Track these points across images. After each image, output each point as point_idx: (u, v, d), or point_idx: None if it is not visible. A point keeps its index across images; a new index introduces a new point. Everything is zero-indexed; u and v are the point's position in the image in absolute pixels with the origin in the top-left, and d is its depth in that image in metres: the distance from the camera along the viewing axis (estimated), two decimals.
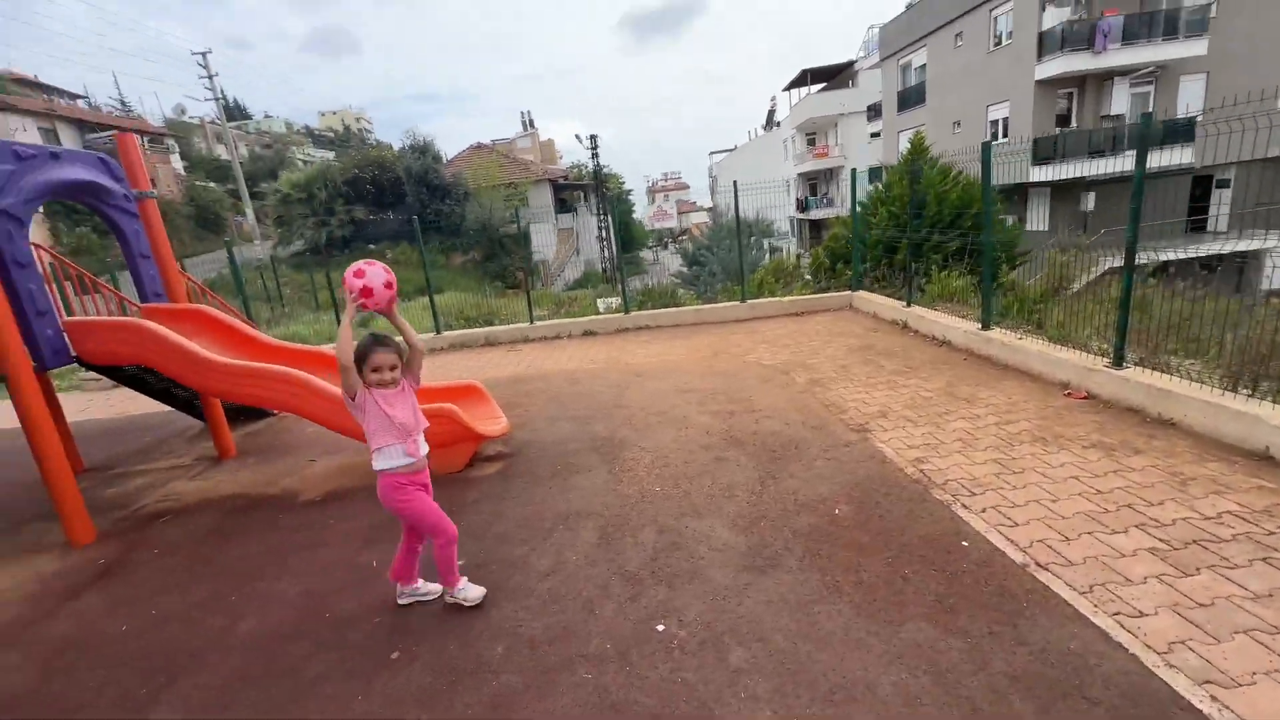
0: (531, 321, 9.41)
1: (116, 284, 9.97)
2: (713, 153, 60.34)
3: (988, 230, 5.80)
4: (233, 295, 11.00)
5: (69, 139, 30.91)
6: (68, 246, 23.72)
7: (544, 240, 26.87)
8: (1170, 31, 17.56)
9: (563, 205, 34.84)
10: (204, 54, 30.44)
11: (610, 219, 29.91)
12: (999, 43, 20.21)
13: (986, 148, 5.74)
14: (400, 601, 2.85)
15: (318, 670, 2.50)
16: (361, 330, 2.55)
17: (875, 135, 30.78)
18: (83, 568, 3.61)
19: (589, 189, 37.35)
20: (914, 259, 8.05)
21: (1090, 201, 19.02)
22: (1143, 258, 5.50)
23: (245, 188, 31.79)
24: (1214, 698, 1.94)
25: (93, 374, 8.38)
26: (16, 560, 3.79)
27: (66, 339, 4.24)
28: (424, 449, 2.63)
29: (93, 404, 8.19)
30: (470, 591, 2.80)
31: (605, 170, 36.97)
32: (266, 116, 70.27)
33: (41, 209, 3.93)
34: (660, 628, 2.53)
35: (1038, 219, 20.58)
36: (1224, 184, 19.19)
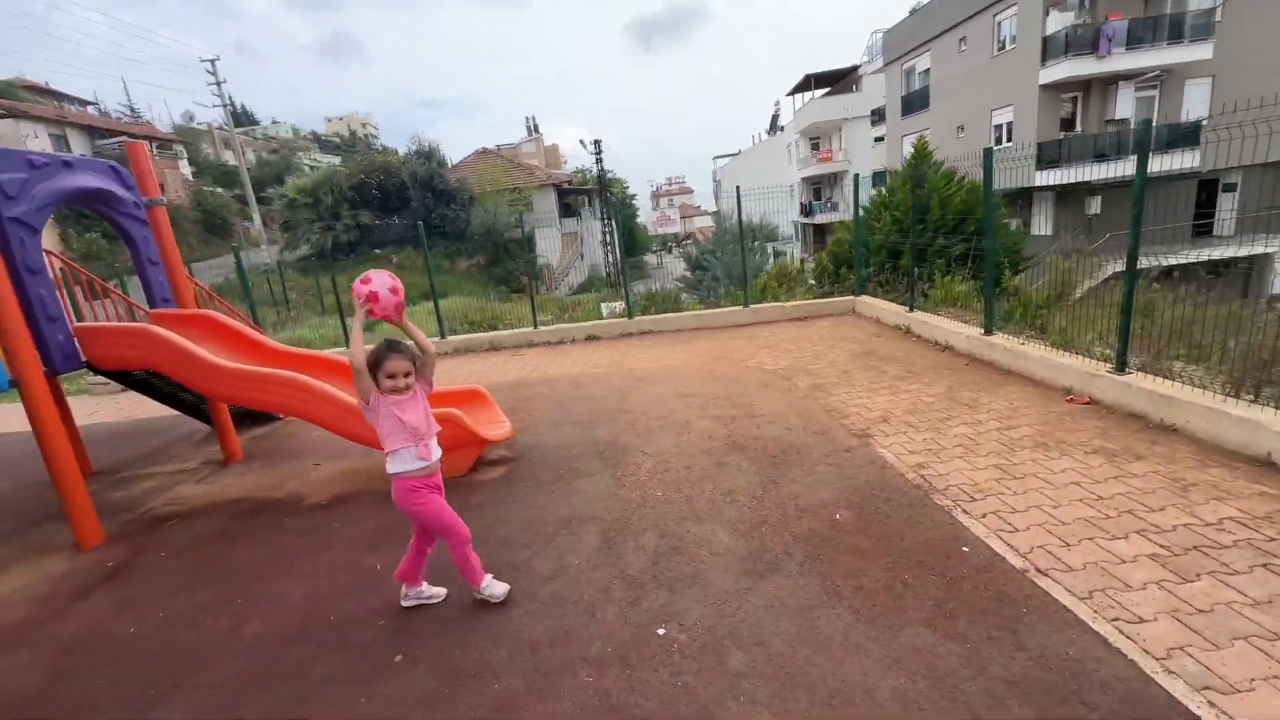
0: (535, 326, 9.46)
1: (125, 289, 10.07)
2: (717, 157, 60.50)
3: (989, 236, 5.81)
4: (239, 300, 11.09)
5: (79, 145, 31.26)
6: (77, 252, 23.97)
7: (548, 245, 26.99)
8: (1175, 35, 17.54)
9: (567, 210, 34.99)
10: (212, 61, 30.77)
11: (614, 223, 30.00)
12: (1003, 47, 20.23)
13: (988, 153, 5.76)
14: (404, 603, 2.88)
15: (322, 672, 2.53)
16: (369, 335, 2.59)
17: (879, 140, 30.81)
18: (91, 569, 3.66)
19: (593, 193, 37.50)
20: (917, 264, 8.06)
21: (1095, 205, 18.97)
22: (1148, 262, 5.52)
23: (252, 193, 32.04)
24: (1212, 703, 1.95)
25: (101, 378, 8.47)
26: (26, 561, 3.84)
27: (77, 344, 4.30)
28: (436, 453, 2.67)
29: (101, 407, 8.28)
30: (495, 588, 2.85)
31: (609, 175, 37.13)
32: (273, 122, 70.86)
33: (51, 215, 4.00)
34: (661, 631, 2.55)
35: (1042, 223, 20.54)
36: (1230, 188, 19.13)
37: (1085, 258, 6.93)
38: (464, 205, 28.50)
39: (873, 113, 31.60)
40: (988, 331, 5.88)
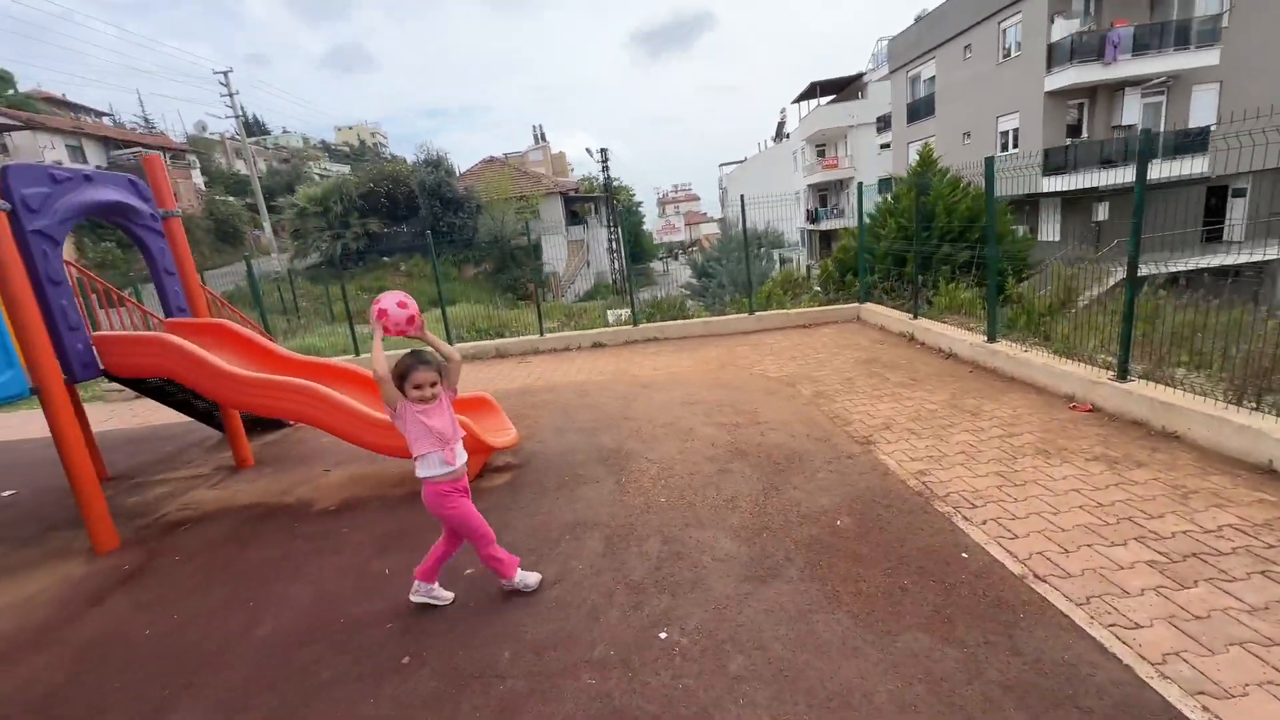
0: (541, 334, 9.54)
1: (139, 297, 10.26)
2: (723, 164, 60.71)
3: (991, 243, 5.85)
4: (250, 307, 11.25)
5: (95, 155, 31.83)
6: (92, 261, 24.37)
7: (555, 252, 27.18)
8: (1181, 42, 17.52)
9: (573, 217, 35.21)
10: (225, 73, 31.27)
11: (620, 231, 30.16)
12: (1008, 54, 20.26)
13: (990, 162, 5.81)
14: (413, 598, 2.95)
15: (331, 673, 2.59)
16: (400, 346, 2.68)
17: (885, 146, 30.86)
18: (108, 573, 3.75)
19: (599, 201, 37.72)
20: (922, 271, 8.09)
21: (1103, 212, 18.92)
22: (1153, 269, 5.53)
23: (263, 202, 32.47)
24: (1206, 708, 1.97)
25: (115, 385, 8.62)
26: (45, 566, 3.93)
27: (95, 353, 4.41)
28: (462, 457, 2.76)
29: (115, 414, 8.42)
30: (528, 579, 2.99)
31: (616, 183, 37.35)
32: (284, 131, 71.85)
33: (72, 227, 4.15)
34: (663, 635, 2.60)
35: (1049, 229, 20.49)
36: (1240, 193, 19.02)
37: (1090, 265, 6.96)
38: (471, 213, 28.76)
39: (878, 120, 31.67)
40: (991, 339, 5.90)
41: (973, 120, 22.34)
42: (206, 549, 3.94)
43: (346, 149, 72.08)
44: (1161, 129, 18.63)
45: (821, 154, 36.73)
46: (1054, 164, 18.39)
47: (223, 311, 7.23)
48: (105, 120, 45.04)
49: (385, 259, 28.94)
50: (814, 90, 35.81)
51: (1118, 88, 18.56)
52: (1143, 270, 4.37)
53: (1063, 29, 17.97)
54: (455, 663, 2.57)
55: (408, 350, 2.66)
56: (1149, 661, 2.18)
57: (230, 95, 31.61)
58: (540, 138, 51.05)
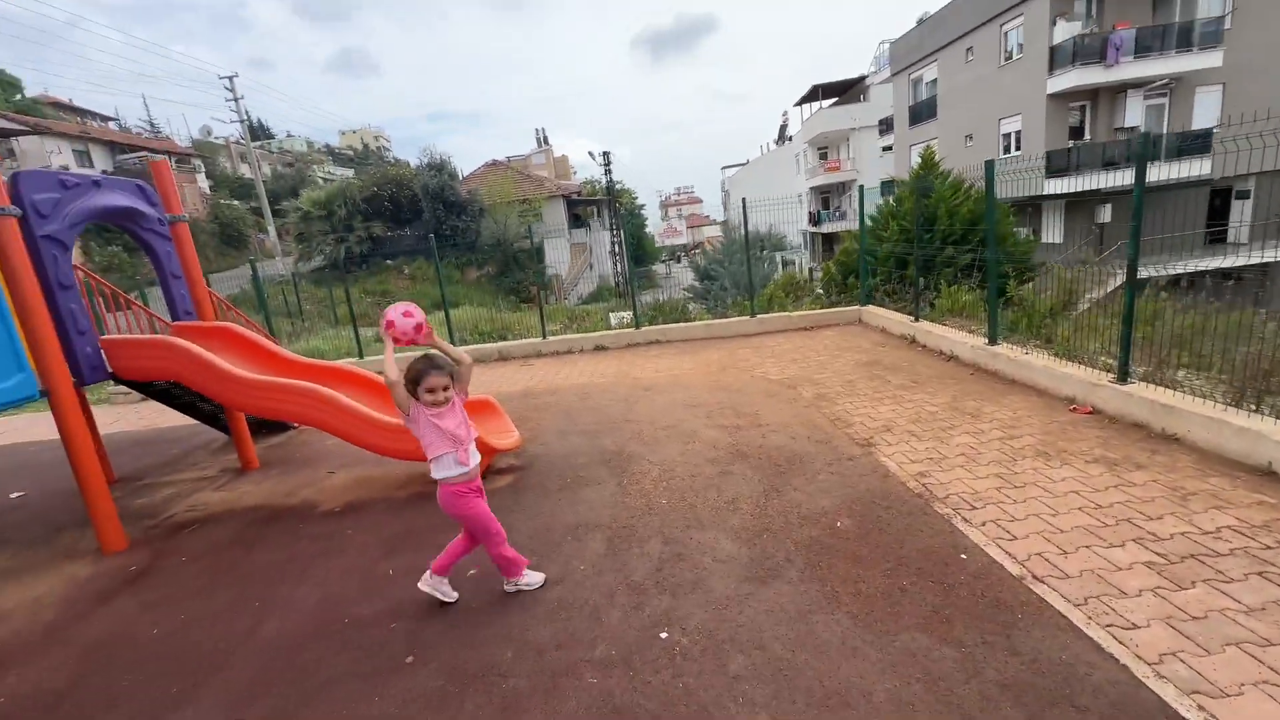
0: (544, 336, 9.58)
1: (146, 301, 10.34)
2: (725, 167, 60.80)
3: (991, 246, 5.87)
4: (255, 310, 11.32)
5: (101, 159, 32.07)
6: (99, 264, 24.52)
7: (557, 255, 27.23)
8: (1184, 44, 17.52)
9: (576, 220, 35.30)
10: (230, 78, 31.50)
11: (622, 234, 30.23)
12: (1010, 57, 20.29)
13: (990, 165, 5.83)
14: (420, 586, 2.98)
15: (336, 672, 2.63)
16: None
17: (887, 149, 30.88)
18: (115, 574, 3.79)
19: (602, 204, 37.82)
20: (924, 273, 8.11)
21: (1106, 214, 18.90)
22: (1155, 271, 5.55)
23: (268, 205, 32.67)
24: (1201, 707, 1.99)
25: (121, 388, 8.70)
26: (53, 566, 3.98)
27: (103, 356, 4.47)
28: (476, 457, 2.82)
29: (122, 417, 8.49)
30: (533, 578, 3.05)
31: (618, 186, 37.45)
32: (288, 135, 72.20)
33: (81, 231, 4.23)
34: (663, 635, 2.62)
35: (1052, 232, 20.48)
36: (1244, 195, 18.98)
37: (1092, 268, 6.96)
38: (474, 216, 28.86)
39: (880, 122, 31.70)
40: (992, 341, 5.92)
41: (975, 123, 22.36)
42: (212, 550, 3.98)
43: (350, 153, 72.44)
44: (1164, 131, 18.64)
45: (824, 156, 36.75)
46: (1056, 166, 18.39)
47: (228, 315, 7.29)
48: (111, 125, 45.40)
49: (389, 262, 29.05)
50: (816, 93, 35.86)
51: (1120, 90, 18.56)
52: (1143, 273, 4.39)
53: (1064, 31, 17.99)
54: (459, 662, 2.60)
55: (420, 354, 2.70)
56: (1145, 661, 2.20)
57: (235, 100, 31.84)
58: (543, 141, 51.21)
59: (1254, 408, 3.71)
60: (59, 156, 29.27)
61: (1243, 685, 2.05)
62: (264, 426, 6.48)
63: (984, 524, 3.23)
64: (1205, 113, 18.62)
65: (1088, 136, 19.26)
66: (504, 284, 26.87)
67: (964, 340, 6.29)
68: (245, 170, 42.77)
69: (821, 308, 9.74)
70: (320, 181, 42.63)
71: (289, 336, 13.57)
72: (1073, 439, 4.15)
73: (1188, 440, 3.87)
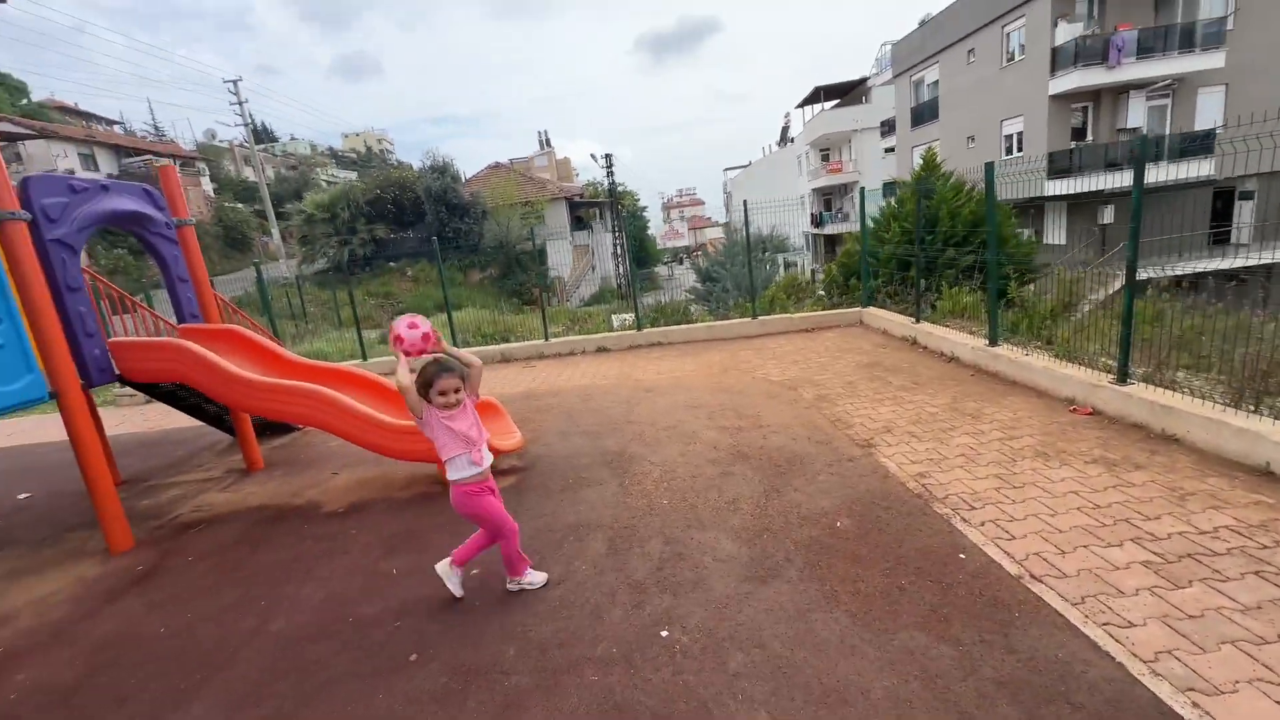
0: (546, 338, 9.62)
1: (151, 303, 10.40)
2: (727, 169, 60.82)
3: (991, 248, 5.89)
4: (259, 313, 11.39)
5: (106, 163, 32.27)
6: (105, 267, 24.66)
7: (560, 257, 27.29)
8: (1186, 44, 17.50)
9: (579, 222, 35.38)
10: (235, 82, 31.68)
11: (624, 236, 30.29)
12: (1012, 58, 20.29)
13: (989, 167, 5.85)
14: (437, 567, 3.06)
15: (341, 669, 2.66)
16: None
17: (889, 150, 30.89)
18: (122, 573, 3.84)
19: (604, 206, 37.91)
20: (926, 275, 8.12)
21: (1108, 215, 18.88)
22: (1156, 273, 5.56)
23: (271, 208, 32.82)
24: (1195, 704, 2.01)
25: (127, 390, 8.75)
26: (62, 566, 4.03)
27: (111, 358, 4.52)
28: (488, 458, 2.87)
29: (127, 419, 8.56)
30: (535, 577, 3.09)
31: (620, 188, 37.53)
32: (292, 138, 72.48)
33: (89, 235, 4.29)
34: (664, 633, 2.65)
35: (1055, 233, 20.46)
36: (1247, 195, 18.94)
37: (1093, 269, 6.98)
38: (477, 219, 28.97)
39: (882, 124, 31.70)
40: (992, 343, 5.93)
41: (977, 124, 22.35)
42: (218, 550, 4.03)
43: (353, 155, 72.71)
44: (1167, 132, 18.62)
45: (826, 158, 36.78)
46: (1059, 167, 18.38)
47: (233, 317, 7.35)
48: (116, 129, 45.68)
49: (392, 264, 29.17)
50: (818, 95, 35.89)
51: (1122, 91, 18.55)
52: (1144, 274, 4.41)
53: (1066, 33, 17.99)
54: (462, 659, 2.63)
55: (431, 359, 2.75)
56: (1141, 659, 2.22)
57: (239, 103, 32.02)
58: (545, 143, 51.37)
59: (1252, 408, 3.72)
60: (65, 160, 29.47)
61: (1237, 683, 2.07)
62: (269, 428, 6.53)
63: (983, 524, 3.25)
64: (1208, 113, 18.59)
65: (1090, 138, 19.24)
66: (507, 286, 26.95)
67: (965, 342, 6.31)
68: (249, 173, 42.97)
69: (823, 309, 9.76)
70: (324, 184, 42.83)
71: (293, 339, 13.64)
72: (1072, 440, 4.17)
73: (1187, 441, 3.88)
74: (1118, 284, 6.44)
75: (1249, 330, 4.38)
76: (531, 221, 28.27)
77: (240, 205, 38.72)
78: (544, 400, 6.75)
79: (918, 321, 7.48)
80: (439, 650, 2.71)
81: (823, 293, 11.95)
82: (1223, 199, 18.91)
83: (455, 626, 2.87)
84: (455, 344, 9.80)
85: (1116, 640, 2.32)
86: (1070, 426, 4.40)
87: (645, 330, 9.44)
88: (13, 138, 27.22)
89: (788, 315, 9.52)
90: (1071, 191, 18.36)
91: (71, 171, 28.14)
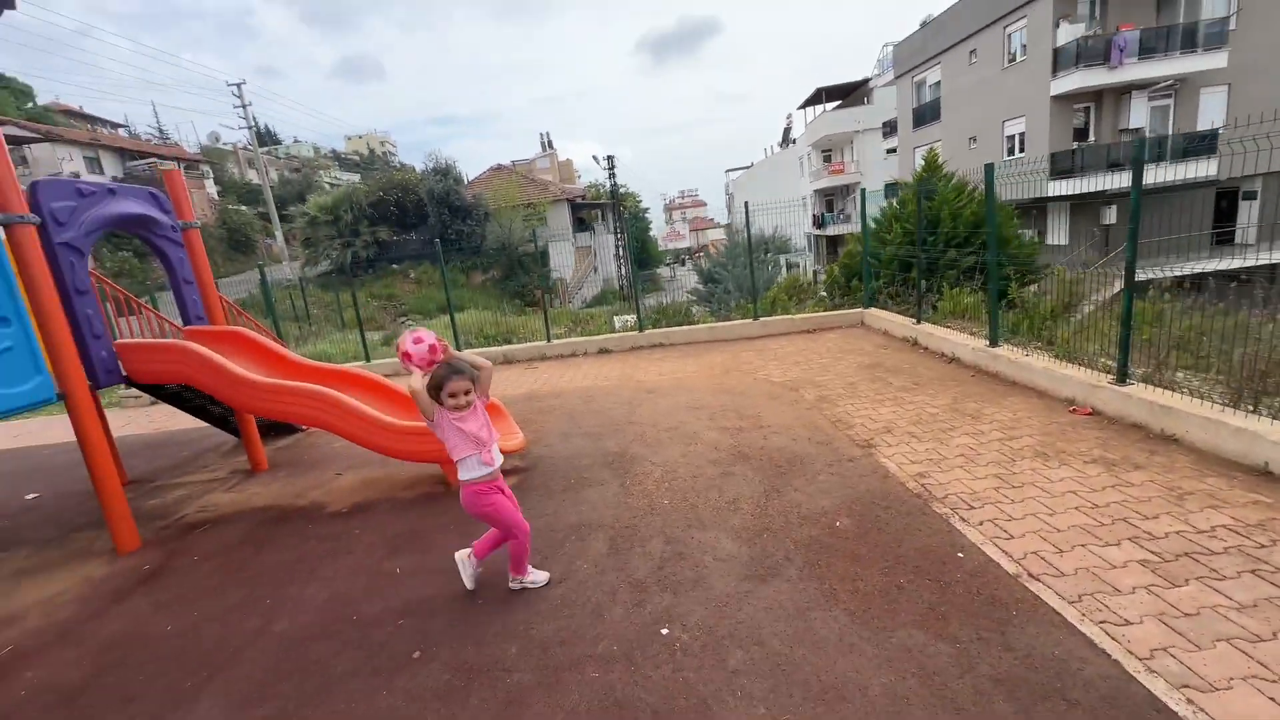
0: (548, 340, 9.66)
1: (155, 305, 10.47)
2: (729, 170, 60.85)
3: (992, 249, 5.90)
4: (263, 314, 11.46)
5: (111, 166, 32.46)
6: (110, 270, 24.80)
7: (562, 259, 27.36)
8: (1188, 45, 17.48)
9: (581, 224, 35.47)
10: (238, 85, 31.84)
11: (626, 238, 30.34)
12: (1013, 59, 20.28)
13: (989, 169, 5.87)
14: (456, 555, 3.14)
15: (345, 668, 2.69)
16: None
17: (891, 151, 30.89)
18: (129, 573, 3.87)
19: (606, 208, 37.98)
20: (927, 276, 8.13)
21: (1111, 215, 18.86)
22: (1156, 273, 5.57)
23: (275, 210, 32.96)
24: (1190, 701, 2.03)
25: (132, 391, 8.83)
26: (69, 566, 4.07)
27: (118, 360, 4.56)
28: (499, 459, 2.92)
29: (133, 420, 8.62)
30: (538, 576, 3.14)
31: (622, 189, 37.61)
32: (295, 141, 72.79)
33: (97, 238, 4.35)
34: (664, 632, 2.68)
35: (1057, 233, 20.45)
36: (1251, 195, 18.90)
37: (1094, 271, 6.99)
38: (479, 221, 29.07)
39: (884, 125, 31.70)
40: (993, 343, 5.95)
41: (979, 125, 22.35)
42: (223, 550, 4.06)
43: (356, 158, 72.95)
44: (1169, 132, 18.59)
45: (828, 159, 36.77)
46: (1061, 168, 18.37)
47: (238, 319, 7.40)
48: (121, 132, 45.93)
49: (395, 266, 29.28)
50: (820, 96, 35.89)
51: (1124, 91, 18.54)
52: (1144, 275, 4.42)
53: (1068, 33, 17.98)
54: (464, 657, 2.66)
55: (441, 362, 2.79)
56: (1137, 656, 2.24)
57: (243, 106, 32.19)
58: (547, 145, 51.49)
59: (1251, 408, 3.73)
60: (70, 163, 29.67)
61: (1232, 680, 2.09)
62: (273, 429, 6.57)
63: (981, 523, 3.27)
64: (1210, 113, 18.56)
65: (1092, 138, 19.23)
66: (509, 288, 27.03)
67: (966, 342, 6.32)
68: (253, 176, 43.18)
69: (825, 310, 9.78)
70: (327, 186, 43.01)
71: (296, 340, 13.71)
72: (1072, 440, 4.18)
73: (1186, 441, 3.90)
74: (1118, 285, 6.47)
75: (1248, 330, 4.39)
76: (534, 223, 28.37)
77: (244, 208, 38.91)
78: (546, 401, 6.78)
79: (919, 322, 7.50)
80: (441, 648, 2.74)
81: (824, 294, 11.98)
82: (1227, 199, 18.88)
83: (458, 625, 2.90)
84: (458, 346, 9.86)
85: (1113, 638, 2.34)
86: (1070, 427, 4.42)
87: (647, 331, 9.47)
88: (19, 141, 27.41)
89: (789, 316, 9.55)
90: (1074, 192, 18.35)
91: (77, 174, 28.31)
